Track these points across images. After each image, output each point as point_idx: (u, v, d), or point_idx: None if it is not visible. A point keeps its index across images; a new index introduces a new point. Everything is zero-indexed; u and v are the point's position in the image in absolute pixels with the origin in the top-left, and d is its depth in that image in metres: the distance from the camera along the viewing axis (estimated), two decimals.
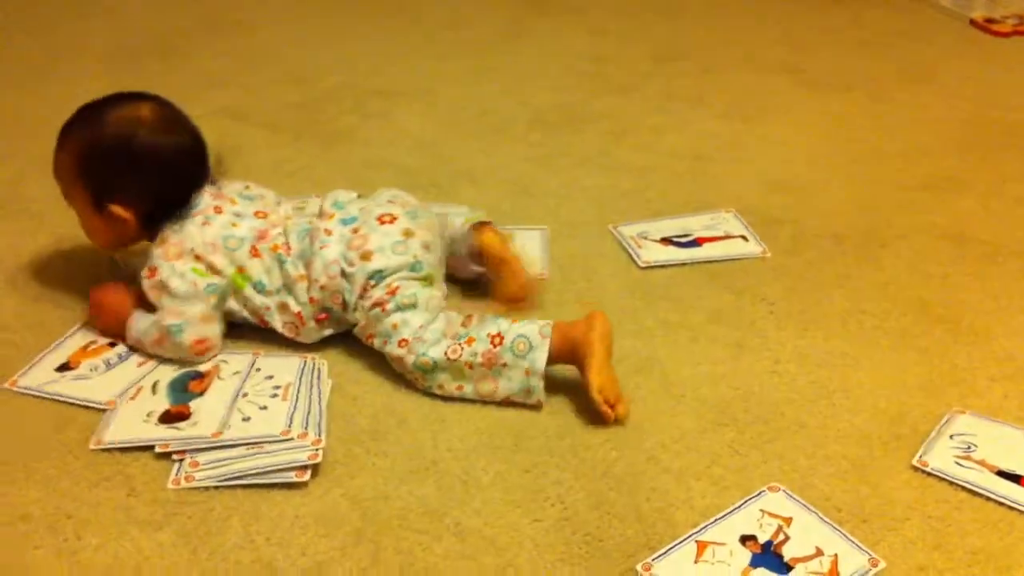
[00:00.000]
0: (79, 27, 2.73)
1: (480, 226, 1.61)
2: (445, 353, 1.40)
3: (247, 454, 1.29)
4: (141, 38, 2.66)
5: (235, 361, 1.46)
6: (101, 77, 2.39)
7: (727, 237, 1.82)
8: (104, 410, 1.36)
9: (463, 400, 1.42)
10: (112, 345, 1.49)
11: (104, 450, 1.30)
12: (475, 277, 1.62)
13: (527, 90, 2.47)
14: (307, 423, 1.33)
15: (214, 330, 1.46)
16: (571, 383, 1.43)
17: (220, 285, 1.46)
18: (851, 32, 2.90)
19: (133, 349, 1.47)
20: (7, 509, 1.21)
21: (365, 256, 1.45)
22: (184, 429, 1.33)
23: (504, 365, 1.39)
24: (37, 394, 1.39)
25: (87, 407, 1.37)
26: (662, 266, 1.73)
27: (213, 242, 1.46)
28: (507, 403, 1.41)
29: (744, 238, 1.82)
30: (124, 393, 1.39)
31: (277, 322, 1.48)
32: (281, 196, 1.60)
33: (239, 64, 2.53)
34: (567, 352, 1.40)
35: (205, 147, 1.53)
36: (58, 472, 1.27)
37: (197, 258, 1.45)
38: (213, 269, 1.45)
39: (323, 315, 1.48)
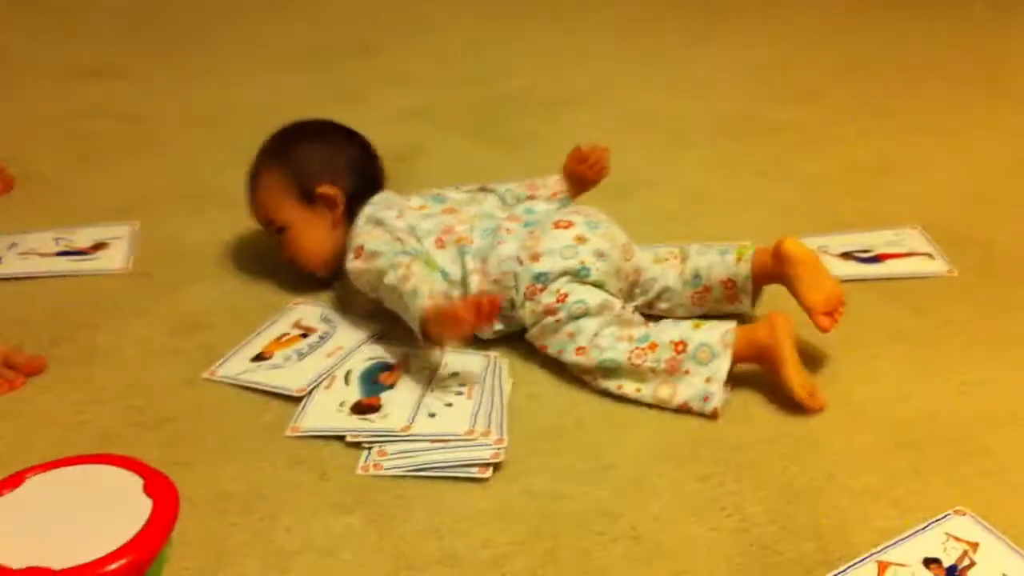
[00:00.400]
0: (278, 24, 2.85)
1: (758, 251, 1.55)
2: (628, 357, 1.42)
3: (432, 447, 1.33)
4: (336, 35, 2.77)
5: (423, 355, 1.51)
6: (298, 72, 2.49)
7: (911, 254, 1.79)
8: (295, 397, 1.42)
9: (638, 403, 1.43)
10: (304, 336, 1.55)
11: (299, 437, 1.37)
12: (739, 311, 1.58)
13: (708, 97, 2.47)
14: (490, 421, 1.37)
15: (416, 266, 1.48)
16: (745, 395, 1.43)
17: (420, 252, 1.52)
18: None
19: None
20: (208, 484, 1.28)
21: (534, 257, 1.48)
22: (375, 421, 1.38)
23: (686, 372, 1.40)
24: (234, 382, 1.46)
25: (280, 394, 1.44)
26: (842, 281, 1.70)
27: (406, 229, 1.54)
28: (682, 410, 1.42)
29: (930, 256, 1.78)
30: (319, 382, 1.45)
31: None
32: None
33: (428, 64, 2.61)
34: (753, 355, 1.42)
35: (378, 156, 1.69)
36: (255, 454, 1.33)
37: (391, 229, 1.54)
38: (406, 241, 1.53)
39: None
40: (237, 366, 1.49)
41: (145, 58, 2.61)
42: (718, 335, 1.42)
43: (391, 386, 1.45)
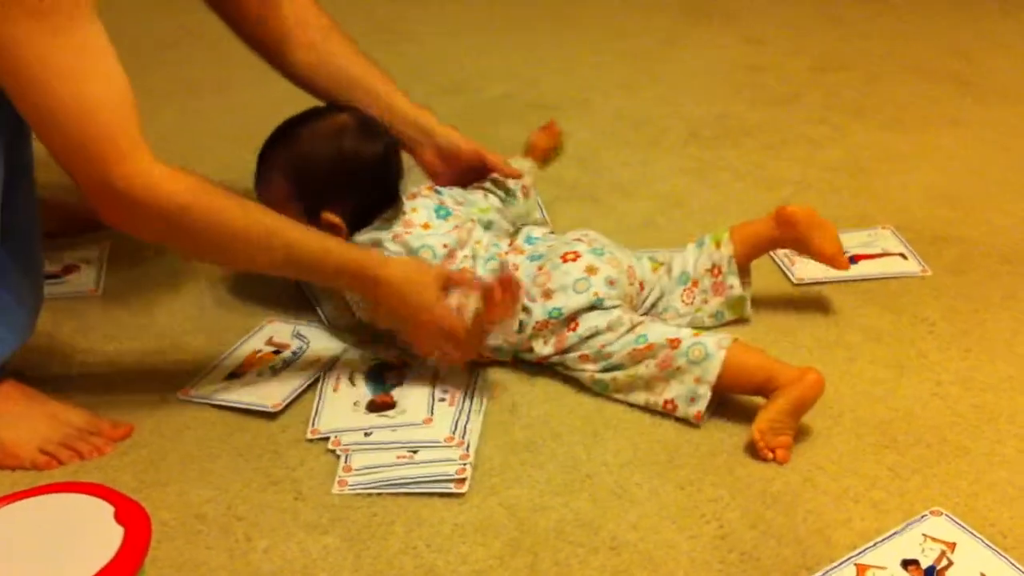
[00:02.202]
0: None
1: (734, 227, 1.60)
2: (629, 355, 1.42)
3: (398, 463, 1.33)
4: None
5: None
6: (272, 86, 2.48)
7: (884, 255, 1.79)
8: (270, 415, 1.42)
9: (619, 404, 1.44)
10: (277, 352, 1.55)
11: (317, 440, 1.38)
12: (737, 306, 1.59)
13: (683, 101, 2.47)
14: (465, 432, 1.37)
15: None
16: (726, 401, 1.43)
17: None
18: (1017, 41, 2.81)
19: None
20: (183, 508, 1.27)
21: (547, 294, 1.48)
22: (395, 417, 1.40)
23: (677, 369, 1.40)
24: (208, 402, 1.45)
25: (255, 411, 1.43)
26: (817, 283, 1.71)
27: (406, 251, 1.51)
28: (665, 414, 1.41)
29: (903, 256, 1.79)
30: (293, 397, 1.45)
31: None
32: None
33: (404, 74, 2.57)
34: (760, 382, 1.38)
35: (400, 152, 1.61)
36: (230, 475, 1.33)
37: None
38: None
39: (489, 352, 1.49)
40: (211, 385, 1.48)
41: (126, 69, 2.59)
42: (715, 338, 1.41)
43: (398, 383, 1.47)
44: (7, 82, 1.17)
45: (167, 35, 2.88)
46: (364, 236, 1.54)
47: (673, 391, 1.40)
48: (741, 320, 1.59)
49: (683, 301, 1.56)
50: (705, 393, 1.39)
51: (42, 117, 1.19)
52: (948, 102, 2.44)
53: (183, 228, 1.26)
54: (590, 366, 1.45)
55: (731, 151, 2.21)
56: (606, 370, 1.45)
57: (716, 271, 1.55)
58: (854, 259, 1.76)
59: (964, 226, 1.88)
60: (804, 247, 1.57)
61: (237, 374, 1.50)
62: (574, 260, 1.50)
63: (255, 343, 1.57)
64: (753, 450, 1.34)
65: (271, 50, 1.66)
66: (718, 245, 1.56)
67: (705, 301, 1.57)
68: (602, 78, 2.63)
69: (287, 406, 1.43)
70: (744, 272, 1.59)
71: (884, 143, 2.24)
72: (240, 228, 1.29)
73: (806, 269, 1.73)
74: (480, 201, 1.66)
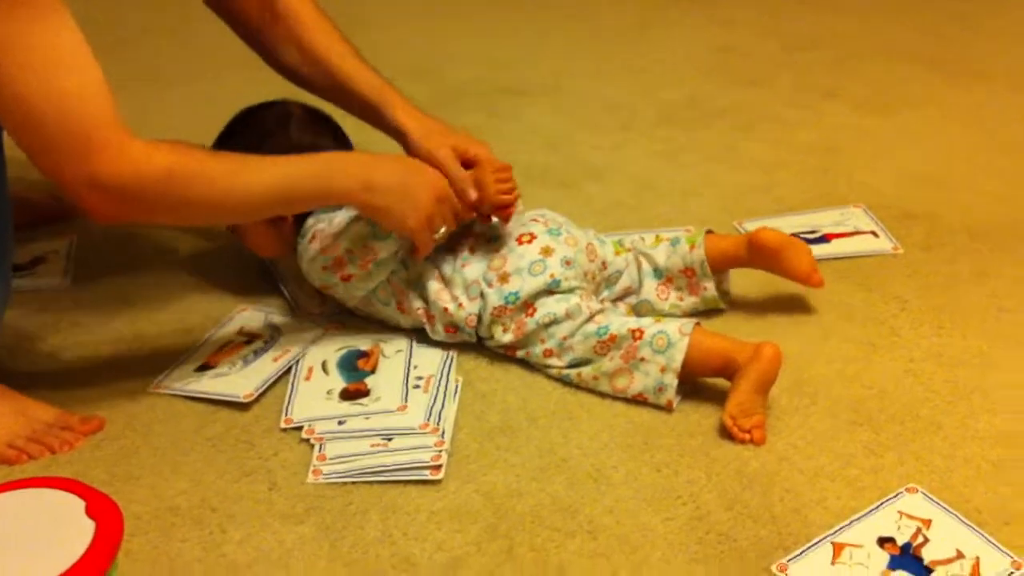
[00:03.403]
0: (213, 26, 2.82)
1: (710, 235, 1.57)
2: (592, 351, 1.42)
3: (372, 451, 1.32)
4: None
5: (394, 340, 1.52)
6: (236, 74, 2.46)
7: (856, 233, 1.79)
8: (242, 406, 1.41)
9: (592, 393, 1.43)
10: (248, 342, 1.54)
11: (290, 429, 1.37)
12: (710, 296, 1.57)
13: (654, 83, 2.47)
14: (439, 419, 1.36)
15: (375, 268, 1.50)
16: (700, 384, 1.43)
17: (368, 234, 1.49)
18: (987, 21, 2.82)
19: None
20: (156, 501, 1.26)
21: (503, 278, 1.47)
22: (368, 405, 1.39)
23: (642, 360, 1.40)
24: (180, 393, 1.44)
25: (228, 402, 1.42)
26: None
27: (359, 235, 1.48)
28: (637, 401, 1.41)
29: (874, 234, 1.79)
30: (265, 387, 1.44)
31: (415, 301, 1.51)
32: None
33: (370, 60, 2.58)
34: (719, 364, 1.38)
35: (348, 138, 1.60)
36: (203, 466, 1.31)
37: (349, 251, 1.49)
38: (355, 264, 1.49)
39: (452, 328, 1.50)
40: (183, 377, 1.47)
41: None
42: (676, 325, 1.41)
43: (372, 371, 1.46)
44: None
45: (128, 26, 2.85)
46: (312, 220, 1.52)
47: (639, 384, 1.40)
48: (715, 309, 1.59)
49: (658, 296, 1.56)
50: (672, 382, 1.38)
51: (18, 116, 1.16)
52: (919, 81, 2.45)
53: (173, 195, 1.24)
54: (555, 361, 1.45)
55: (703, 133, 2.21)
56: (572, 366, 1.44)
57: (689, 272, 1.55)
58: (826, 238, 1.77)
59: (935, 204, 1.89)
60: (777, 269, 1.56)
61: (209, 365, 1.49)
62: (529, 242, 1.50)
63: (226, 332, 1.56)
64: (729, 434, 1.34)
65: (270, 52, 1.63)
66: (692, 247, 1.55)
67: (681, 299, 1.56)
68: (572, 62, 2.62)
69: (259, 396, 1.42)
70: (722, 277, 1.58)
71: (856, 123, 2.25)
72: (226, 172, 1.29)
73: None
74: None
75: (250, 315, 1.60)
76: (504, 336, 1.47)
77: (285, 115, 1.57)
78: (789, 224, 1.80)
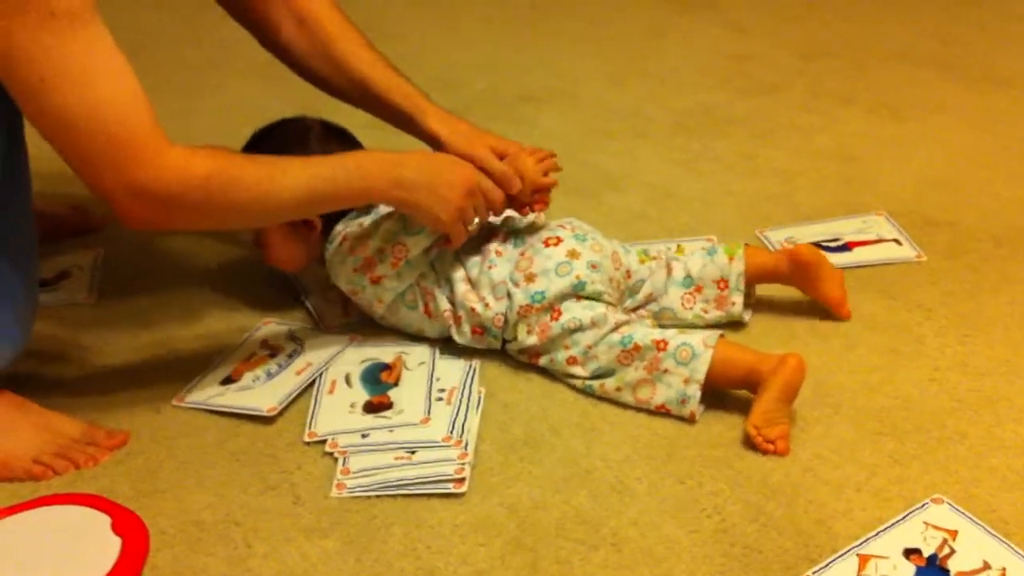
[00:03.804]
0: (232, 36, 2.82)
1: (747, 249, 1.58)
2: (617, 359, 1.42)
3: (396, 464, 1.32)
4: None
5: (416, 352, 1.53)
6: (255, 86, 2.47)
7: (879, 241, 1.79)
8: (266, 419, 1.41)
9: (615, 404, 1.43)
10: (272, 355, 1.54)
11: (314, 443, 1.37)
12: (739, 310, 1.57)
13: (670, 91, 2.47)
14: (462, 432, 1.36)
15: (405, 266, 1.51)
16: (722, 394, 1.42)
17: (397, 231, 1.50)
18: (1001, 25, 2.81)
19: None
20: (181, 515, 1.26)
21: (529, 278, 1.47)
22: (391, 418, 1.39)
23: (665, 371, 1.40)
24: (204, 407, 1.44)
25: (252, 415, 1.42)
26: None
27: (389, 232, 1.49)
28: (660, 412, 1.41)
29: (897, 242, 1.78)
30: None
31: (443, 302, 1.51)
32: None
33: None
34: (742, 377, 1.39)
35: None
36: (227, 480, 1.32)
37: (379, 250, 1.50)
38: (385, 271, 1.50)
39: (479, 330, 1.50)
40: (206, 391, 1.47)
41: None
42: (700, 337, 1.41)
43: (394, 383, 1.46)
44: (20, 90, 1.15)
45: (130, 38, 2.86)
46: (340, 226, 1.54)
47: (662, 395, 1.40)
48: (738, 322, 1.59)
49: (683, 305, 1.56)
50: (695, 393, 1.38)
51: (57, 126, 1.17)
52: (934, 87, 2.44)
53: (213, 200, 1.25)
54: (579, 370, 1.45)
55: (719, 141, 2.21)
56: (595, 376, 1.44)
57: (723, 284, 1.55)
58: (848, 246, 1.76)
59: (955, 211, 1.88)
60: (811, 289, 1.58)
61: (232, 379, 1.49)
62: (556, 245, 1.50)
63: (249, 346, 1.56)
64: (752, 444, 1.34)
65: (296, 61, 1.64)
66: (731, 258, 1.55)
67: (705, 311, 1.55)
68: (587, 70, 2.62)
69: (283, 410, 1.43)
70: (750, 293, 1.58)
71: (872, 130, 2.24)
72: (262, 177, 1.30)
73: None
74: None
75: (273, 328, 1.60)
76: (528, 338, 1.47)
77: (304, 130, 1.58)
78: (811, 233, 1.80)
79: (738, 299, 1.54)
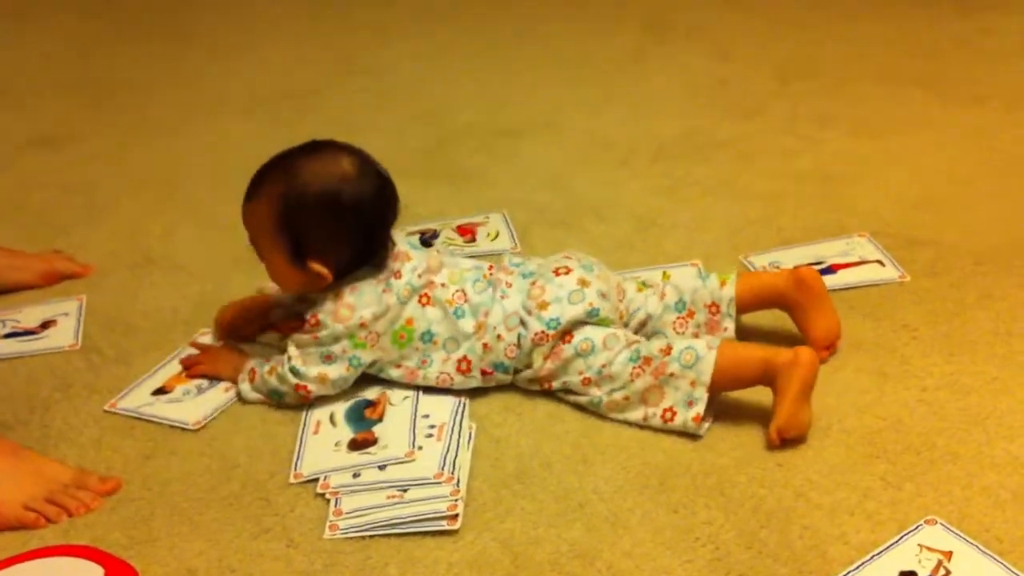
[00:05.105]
0: (216, 75, 2.84)
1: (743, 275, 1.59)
2: (630, 375, 1.44)
3: (388, 503, 1.32)
4: (277, 86, 2.75)
5: (401, 388, 1.53)
6: (240, 123, 2.48)
7: (862, 262, 1.79)
8: (191, 430, 1.47)
9: (616, 422, 1.44)
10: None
11: (304, 484, 1.37)
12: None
13: (650, 118, 2.48)
14: (454, 468, 1.36)
15: (320, 387, 1.49)
16: (715, 421, 1.43)
17: (364, 362, 1.49)
18: (979, 41, 2.83)
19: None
20: (175, 563, 1.25)
21: (542, 306, 1.48)
22: (376, 454, 1.40)
23: (671, 375, 1.41)
24: (134, 415, 1.51)
25: (176, 427, 1.45)
26: None
27: (386, 308, 1.47)
28: (656, 434, 1.42)
29: (880, 263, 1.79)
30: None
31: (432, 372, 1.50)
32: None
33: (372, 106, 2.60)
34: (758, 372, 1.40)
35: (395, 189, 1.51)
36: (220, 525, 1.31)
37: (362, 326, 1.46)
38: (371, 338, 1.48)
39: (490, 370, 1.50)
40: (137, 399, 1.54)
41: (86, 123, 2.57)
42: (704, 341, 1.43)
43: (379, 419, 1.46)
44: None
45: (116, 77, 2.87)
46: (354, 288, 1.48)
47: (670, 399, 1.41)
48: None
49: (675, 329, 1.56)
50: (702, 395, 1.39)
51: None
52: (914, 105, 2.46)
53: None
54: (595, 390, 1.46)
55: (701, 167, 2.22)
56: (611, 392, 1.45)
57: (714, 308, 1.55)
58: (832, 268, 1.77)
59: (938, 229, 1.89)
60: (804, 317, 1.55)
61: (164, 390, 1.56)
62: (566, 274, 1.51)
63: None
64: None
65: None
66: (723, 284, 1.56)
67: (696, 335, 1.55)
68: (568, 100, 2.63)
69: (207, 424, 1.49)
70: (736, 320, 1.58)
71: (854, 150, 2.25)
72: None
73: None
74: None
75: (210, 342, 1.65)
76: (542, 363, 1.48)
77: (337, 175, 1.47)
78: (796, 256, 1.80)
79: (730, 324, 1.55)
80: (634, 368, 1.44)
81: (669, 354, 1.42)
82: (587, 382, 1.46)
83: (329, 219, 1.45)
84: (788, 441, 1.37)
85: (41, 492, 1.33)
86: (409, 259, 1.51)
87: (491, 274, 1.54)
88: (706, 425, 1.42)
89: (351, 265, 1.49)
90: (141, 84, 2.82)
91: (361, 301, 1.47)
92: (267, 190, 1.47)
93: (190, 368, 1.59)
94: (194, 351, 1.63)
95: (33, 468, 1.36)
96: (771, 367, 1.38)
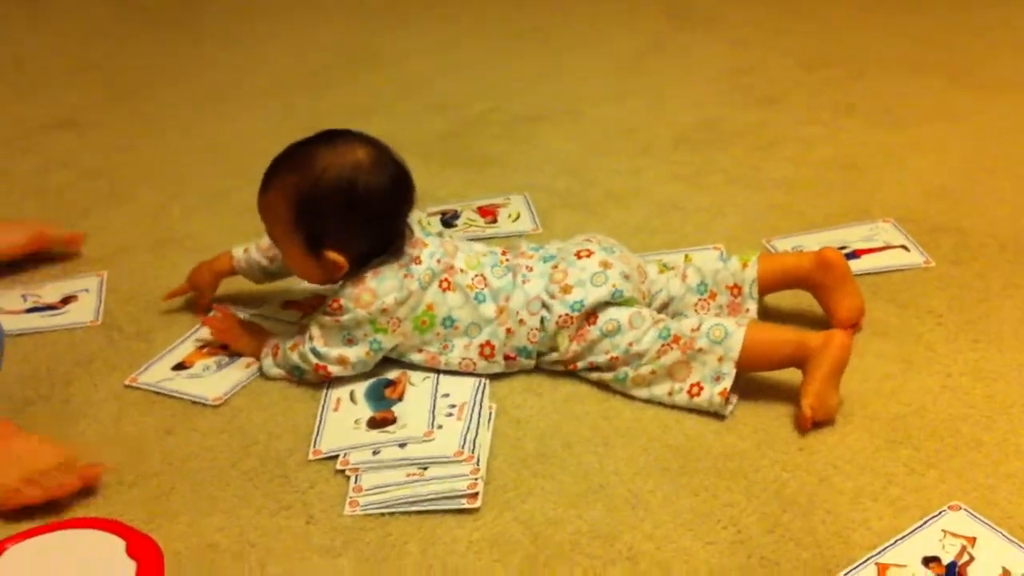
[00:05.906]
0: (234, 64, 2.84)
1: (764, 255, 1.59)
2: (658, 351, 1.44)
3: (408, 480, 1.32)
4: (292, 75, 2.75)
5: (421, 369, 1.52)
6: (258, 110, 2.48)
7: (887, 247, 1.78)
8: (211, 406, 1.48)
9: (630, 408, 1.44)
10: (224, 346, 1.59)
11: (323, 460, 1.37)
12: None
13: (671, 106, 2.47)
14: (474, 447, 1.36)
15: (340, 368, 1.49)
16: (738, 404, 1.42)
17: (386, 346, 1.49)
18: (1001, 32, 2.81)
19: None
20: (195, 538, 1.25)
21: (565, 289, 1.47)
22: (395, 432, 1.39)
23: (699, 350, 1.41)
24: (154, 390, 1.51)
25: (196, 403, 1.49)
26: None
27: (408, 294, 1.47)
28: (692, 401, 1.41)
29: (905, 248, 1.78)
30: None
31: (455, 357, 1.50)
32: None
33: (388, 94, 2.59)
34: (790, 352, 1.40)
35: (411, 178, 1.50)
36: (240, 501, 1.31)
37: (384, 311, 1.45)
38: (393, 324, 1.47)
39: (513, 355, 1.49)
40: (157, 374, 1.54)
41: (103, 109, 2.57)
42: (733, 319, 1.44)
43: (399, 399, 1.46)
44: None
45: (137, 60, 2.87)
46: (376, 272, 1.47)
47: (697, 374, 1.41)
48: None
49: (696, 311, 1.56)
50: (730, 371, 1.39)
51: None
52: (936, 94, 2.45)
53: None
54: (624, 369, 1.46)
55: (722, 154, 2.21)
56: (637, 367, 1.45)
57: (736, 290, 1.55)
58: (856, 253, 1.75)
59: (960, 216, 1.88)
60: (829, 297, 1.56)
61: (184, 365, 1.56)
62: (588, 256, 1.51)
63: (204, 334, 1.62)
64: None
65: None
66: (744, 266, 1.56)
67: (718, 316, 1.54)
68: (588, 87, 2.62)
69: (227, 399, 1.49)
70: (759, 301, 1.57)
71: (875, 138, 2.24)
72: None
73: None
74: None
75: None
76: (568, 345, 1.47)
77: (352, 165, 1.45)
78: (819, 241, 1.79)
79: (752, 306, 1.55)
80: (663, 345, 1.43)
81: (698, 329, 1.42)
82: (615, 360, 1.45)
83: (344, 209, 1.44)
84: (816, 423, 1.36)
85: (18, 473, 1.28)
86: (426, 245, 1.50)
87: (508, 259, 1.54)
88: (732, 404, 1.41)
89: (368, 254, 1.48)
90: (158, 70, 2.83)
91: (383, 287, 1.46)
92: (282, 181, 1.46)
93: (214, 332, 1.58)
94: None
95: (18, 452, 1.31)
96: (804, 348, 1.38)
